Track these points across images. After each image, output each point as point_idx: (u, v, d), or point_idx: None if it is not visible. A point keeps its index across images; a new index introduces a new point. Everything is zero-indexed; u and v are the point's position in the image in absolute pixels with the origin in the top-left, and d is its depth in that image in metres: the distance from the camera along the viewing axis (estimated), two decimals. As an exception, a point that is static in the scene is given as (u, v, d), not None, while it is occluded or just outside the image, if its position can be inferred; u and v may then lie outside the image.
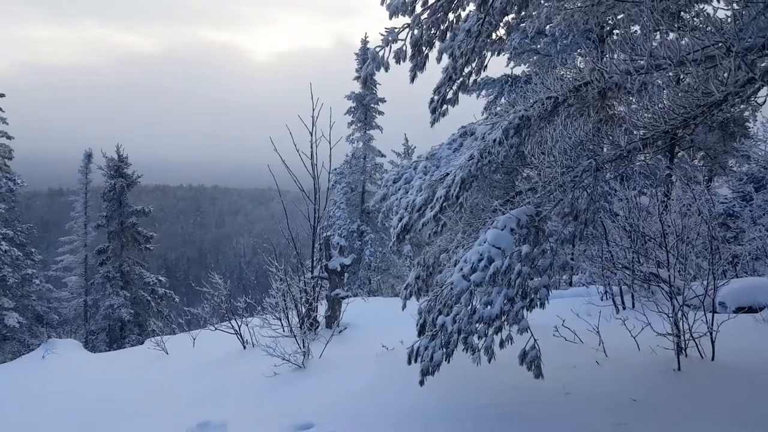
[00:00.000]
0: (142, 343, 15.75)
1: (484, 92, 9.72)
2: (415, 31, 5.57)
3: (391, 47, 5.57)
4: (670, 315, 5.79)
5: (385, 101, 23.12)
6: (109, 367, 10.53)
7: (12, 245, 18.76)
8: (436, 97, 5.89)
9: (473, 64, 5.69)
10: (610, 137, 5.29)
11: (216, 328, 10.14)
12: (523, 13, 5.50)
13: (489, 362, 4.94)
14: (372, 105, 22.96)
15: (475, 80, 5.90)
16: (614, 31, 8.06)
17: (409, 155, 25.80)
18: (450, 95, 5.92)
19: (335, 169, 21.60)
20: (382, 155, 23.84)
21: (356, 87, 22.99)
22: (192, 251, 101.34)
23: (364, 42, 22.54)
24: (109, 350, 18.62)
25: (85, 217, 23.62)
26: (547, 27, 8.87)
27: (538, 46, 8.98)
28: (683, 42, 4.29)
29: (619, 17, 5.48)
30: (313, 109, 9.86)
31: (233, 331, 9.79)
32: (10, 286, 17.98)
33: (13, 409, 7.98)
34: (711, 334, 5.70)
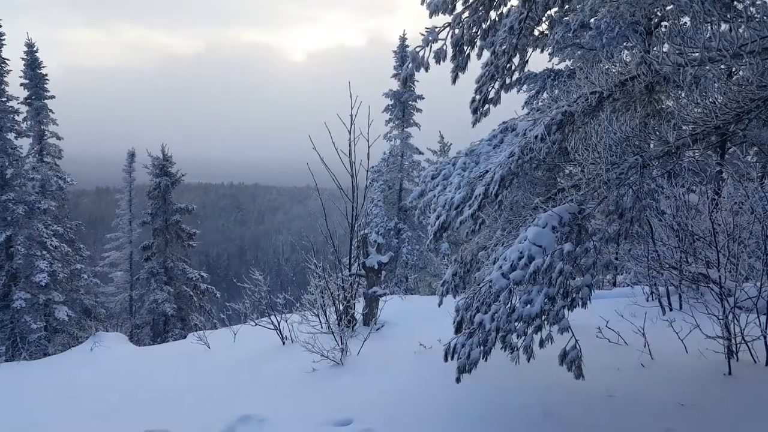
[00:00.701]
0: (185, 337, 16.15)
1: (525, 87, 9.56)
2: (456, 30, 5.50)
3: (431, 47, 5.53)
4: (721, 317, 5.57)
5: (423, 98, 23.03)
6: (154, 360, 10.83)
7: (62, 241, 19.50)
8: (477, 97, 5.81)
9: (515, 61, 5.59)
10: (658, 133, 5.12)
11: (256, 324, 10.28)
12: (566, 6, 5.37)
13: (528, 361, 4.86)
14: (410, 102, 22.89)
15: (518, 78, 5.80)
16: (662, 23, 7.78)
17: (445, 152, 25.62)
18: (492, 94, 5.83)
19: (372, 167, 21.65)
20: (420, 153, 23.73)
21: (394, 84, 22.98)
22: (232, 248, 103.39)
23: (402, 39, 22.51)
24: (153, 344, 19.17)
25: (130, 214, 24.37)
26: (592, 20, 8.65)
27: (582, 40, 8.75)
28: (739, 32, 4.10)
29: (668, 8, 5.29)
30: (352, 107, 9.88)
31: (273, 327, 9.91)
32: (60, 281, 18.69)
33: (65, 397, 8.29)
34: (765, 337, 5.46)
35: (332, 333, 8.38)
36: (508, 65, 5.62)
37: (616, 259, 7.49)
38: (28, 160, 19.21)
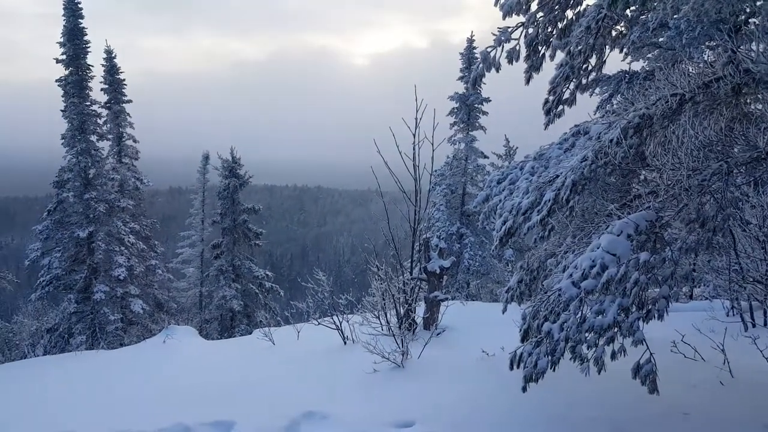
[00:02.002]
0: (251, 333, 16.64)
1: (598, 90, 9.21)
2: (530, 30, 5.41)
3: (503, 47, 5.45)
4: (813, 336, 5.17)
5: (490, 101, 22.67)
6: (222, 353, 11.21)
7: (138, 238, 20.57)
8: (551, 98, 5.67)
9: (592, 62, 5.42)
10: (745, 137, 4.82)
11: (319, 323, 10.46)
12: (646, 4, 5.15)
13: (599, 373, 4.69)
14: (476, 105, 22.59)
15: (595, 78, 5.62)
16: (751, 20, 7.27)
17: (511, 156, 25.10)
18: (567, 95, 5.68)
19: (436, 171, 21.54)
20: (485, 156, 23.32)
21: (459, 87, 22.69)
22: (295, 248, 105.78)
23: (470, 41, 22.26)
24: (221, 338, 19.87)
25: (202, 213, 25.41)
26: (671, 19, 8.24)
27: (660, 40, 8.34)
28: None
29: (758, 3, 4.96)
30: (417, 111, 9.87)
31: (335, 327, 10.04)
32: (137, 276, 19.72)
33: (139, 385, 8.72)
34: None
35: (393, 335, 8.40)
36: (585, 65, 5.45)
37: (694, 270, 7.10)
38: (108, 161, 20.41)
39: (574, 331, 4.68)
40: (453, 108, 22.84)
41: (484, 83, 22.34)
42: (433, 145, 9.64)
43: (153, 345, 12.73)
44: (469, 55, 22.21)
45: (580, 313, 4.73)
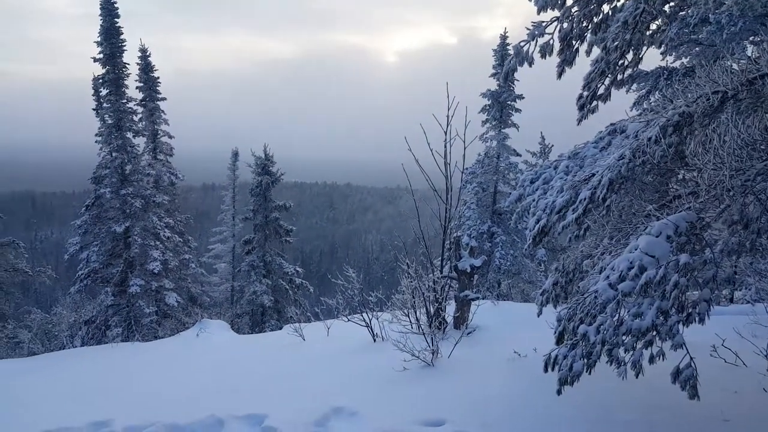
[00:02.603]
0: (281, 328, 16.82)
1: (634, 86, 8.99)
2: (565, 25, 5.32)
3: (536, 41, 5.37)
4: None
5: (523, 98, 22.34)
6: (253, 348, 11.38)
7: (173, 233, 20.97)
8: (585, 93, 5.57)
9: (628, 58, 5.30)
10: (792, 136, 4.64)
11: (348, 320, 10.51)
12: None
13: (636, 377, 4.59)
14: (508, 102, 22.30)
15: (631, 74, 5.49)
16: (799, 15, 7.04)
17: (546, 155, 24.71)
18: (601, 91, 5.57)
19: (467, 169, 21.36)
20: (517, 155, 22.98)
21: (491, 84, 22.45)
22: (325, 245, 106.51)
23: (503, 38, 21.98)
24: (252, 333, 20.16)
25: (234, 210, 25.78)
26: (710, 15, 8.00)
27: (701, 36, 8.10)
28: None
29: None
30: (449, 108, 9.81)
31: (364, 324, 10.08)
32: (171, 269, 20.13)
33: (173, 377, 8.93)
34: None
35: (423, 334, 8.38)
36: (620, 61, 5.33)
37: (735, 273, 6.89)
38: (144, 158, 20.86)
39: (611, 333, 4.59)
40: (485, 105, 22.59)
41: (517, 80, 22.09)
42: (465, 142, 9.57)
43: (187, 338, 13.00)
44: (502, 51, 21.92)
45: (617, 315, 4.64)
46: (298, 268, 23.91)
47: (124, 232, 18.25)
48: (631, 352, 4.58)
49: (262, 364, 9.38)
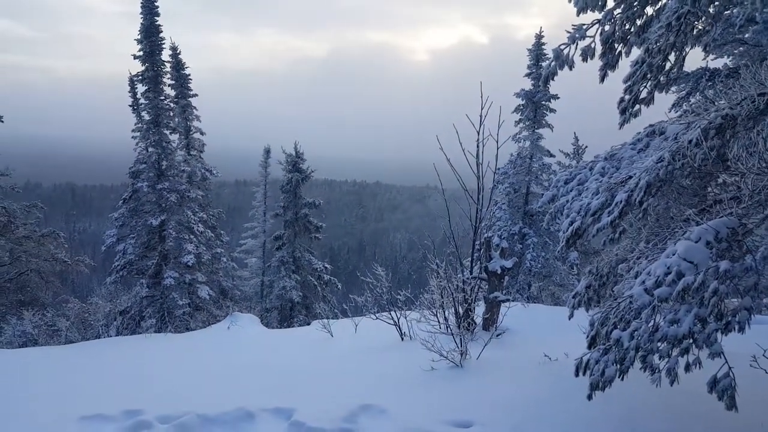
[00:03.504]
0: (309, 324, 16.99)
1: (674, 88, 8.76)
2: (606, 27, 5.23)
3: (577, 44, 5.29)
4: None
5: (558, 98, 22.02)
6: (283, 343, 11.51)
7: (206, 227, 21.38)
8: (627, 97, 5.46)
9: (671, 59, 5.17)
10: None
11: (377, 318, 10.54)
12: (733, -1, 4.87)
13: (671, 385, 4.49)
14: (543, 102, 21.98)
15: (674, 77, 5.37)
16: None
17: (579, 155, 24.29)
18: (644, 94, 5.45)
19: (498, 169, 21.17)
20: (551, 155, 22.64)
21: (525, 84, 22.16)
22: (353, 242, 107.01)
23: (538, 37, 21.71)
24: (280, 327, 20.40)
25: (265, 206, 26.12)
26: (757, 14, 7.74)
27: (746, 35, 7.85)
28: None
29: None
30: (482, 108, 9.76)
31: (392, 323, 10.10)
32: (204, 263, 20.51)
33: (205, 369, 9.08)
34: None
35: (451, 334, 8.35)
36: (663, 63, 5.21)
37: (777, 281, 6.67)
38: (178, 153, 21.29)
39: (646, 339, 4.51)
40: (519, 105, 22.35)
41: (552, 80, 21.74)
42: (497, 142, 9.49)
43: (218, 330, 13.22)
44: (537, 51, 21.64)
45: (652, 321, 4.55)
46: (326, 265, 24.09)
47: (159, 225, 18.66)
48: (666, 359, 4.47)
49: (290, 359, 9.48)
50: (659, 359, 4.52)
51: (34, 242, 20.71)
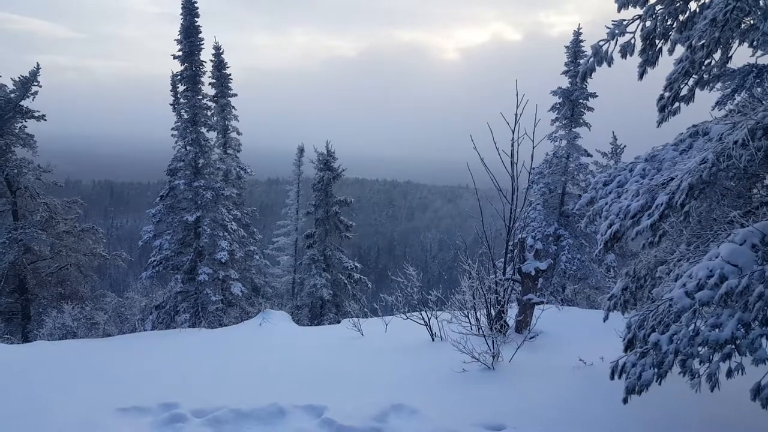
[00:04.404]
0: (339, 322, 17.08)
1: (719, 85, 8.44)
2: (648, 23, 5.10)
3: (617, 40, 5.18)
4: None
5: (596, 96, 21.54)
6: (313, 340, 11.59)
7: (239, 225, 21.69)
8: (667, 94, 5.32)
9: (716, 57, 5.02)
10: None
11: (407, 317, 10.52)
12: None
13: (711, 391, 4.36)
14: (580, 101, 21.54)
15: (718, 74, 5.21)
16: None
17: (617, 155, 23.73)
18: (684, 92, 5.30)
19: (533, 169, 20.84)
20: (588, 155, 22.12)
21: (562, 81, 21.69)
22: (383, 242, 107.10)
23: (576, 33, 21.32)
24: (311, 325, 20.57)
25: (297, 204, 26.36)
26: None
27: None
28: None
29: None
30: (517, 106, 9.61)
31: (423, 323, 10.07)
32: (237, 260, 20.82)
33: (238, 364, 9.22)
34: None
35: (483, 336, 8.28)
36: (707, 60, 5.05)
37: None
38: (215, 152, 21.66)
39: (685, 344, 4.39)
40: (555, 103, 21.94)
41: (590, 78, 21.30)
42: (533, 141, 9.36)
43: (250, 327, 13.41)
44: (575, 48, 21.22)
45: (693, 325, 4.44)
46: (356, 264, 24.17)
47: (194, 222, 19.02)
48: (707, 365, 4.36)
49: (321, 356, 9.55)
50: (699, 364, 4.41)
51: (74, 237, 21.38)
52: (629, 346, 5.00)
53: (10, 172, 19.81)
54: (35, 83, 20.09)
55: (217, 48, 23.21)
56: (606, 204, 6.48)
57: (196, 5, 19.08)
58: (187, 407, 6.78)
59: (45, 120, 20.72)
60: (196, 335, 13.21)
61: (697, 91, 5.84)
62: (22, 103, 19.93)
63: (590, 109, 21.82)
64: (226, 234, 19.64)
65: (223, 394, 7.30)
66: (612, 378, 4.87)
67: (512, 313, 9.80)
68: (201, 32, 19.24)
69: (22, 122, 20.27)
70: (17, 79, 19.87)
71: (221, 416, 6.56)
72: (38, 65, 20.48)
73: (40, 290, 21.04)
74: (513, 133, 9.62)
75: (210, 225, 19.32)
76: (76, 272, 21.60)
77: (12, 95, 19.71)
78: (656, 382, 4.60)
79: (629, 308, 6.19)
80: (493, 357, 7.60)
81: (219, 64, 23.26)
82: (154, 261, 19.28)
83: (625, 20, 5.22)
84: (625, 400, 4.71)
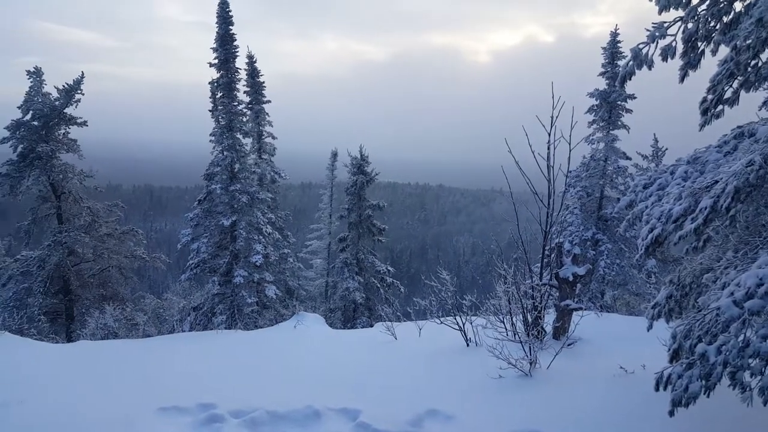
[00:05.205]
0: (372, 325, 17.10)
1: (765, 85, 8.13)
2: (689, 25, 4.96)
3: (657, 43, 5.05)
4: None
5: (635, 98, 21.06)
6: (347, 343, 11.62)
7: (274, 228, 21.98)
8: (710, 97, 5.16)
9: (762, 57, 4.85)
10: None
11: (441, 322, 10.45)
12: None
13: (764, 405, 4.19)
14: (618, 102, 21.08)
15: (765, 75, 5.03)
16: None
17: (658, 158, 23.13)
18: (728, 94, 5.14)
19: (570, 172, 20.46)
20: (627, 158, 21.59)
21: (599, 83, 21.22)
22: (415, 245, 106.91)
23: (614, 35, 20.91)
24: (344, 328, 20.65)
25: (330, 208, 26.55)
26: None
27: None
28: None
29: None
30: (553, 108, 9.46)
31: (457, 328, 9.99)
32: (272, 263, 21.09)
33: (274, 365, 9.31)
34: None
35: (520, 342, 8.16)
36: (753, 62, 4.88)
37: None
38: (251, 157, 22.01)
39: (735, 355, 4.23)
40: (592, 105, 21.52)
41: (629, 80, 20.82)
42: (570, 144, 9.19)
43: (285, 329, 13.53)
44: (612, 49, 20.80)
45: (742, 336, 4.27)
46: (389, 267, 24.18)
47: (230, 225, 19.34)
48: (759, 377, 4.18)
49: (355, 360, 9.56)
50: (750, 377, 4.23)
51: (116, 240, 22.00)
52: (675, 356, 4.85)
53: (55, 177, 20.52)
54: (78, 91, 20.77)
55: (250, 57, 23.65)
56: (646, 207, 6.32)
57: (230, 14, 19.44)
58: (224, 408, 6.88)
59: (86, 126, 21.41)
60: (233, 336, 13.39)
61: (744, 93, 5.65)
62: (65, 110, 20.65)
63: (629, 110, 21.34)
64: (261, 237, 19.90)
65: (259, 395, 7.38)
66: (657, 389, 4.73)
67: (549, 319, 9.63)
68: (236, 40, 19.58)
69: (65, 128, 21.01)
70: (62, 88, 20.59)
71: (258, 417, 6.63)
72: (83, 74, 21.17)
73: (82, 291, 21.70)
74: (549, 135, 9.47)
75: (245, 228, 19.60)
76: (117, 274, 22.21)
77: (56, 103, 20.43)
78: (704, 394, 4.44)
79: (674, 317, 6.01)
80: (531, 363, 7.47)
81: (253, 72, 23.68)
82: (192, 263, 19.68)
83: (665, 22, 5.09)
84: (671, 413, 4.56)
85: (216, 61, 19.48)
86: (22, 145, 20.16)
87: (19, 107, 20.17)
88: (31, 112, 20.23)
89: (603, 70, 21.13)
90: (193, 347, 12.01)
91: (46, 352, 10.89)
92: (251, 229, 19.80)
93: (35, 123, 20.29)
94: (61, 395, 7.61)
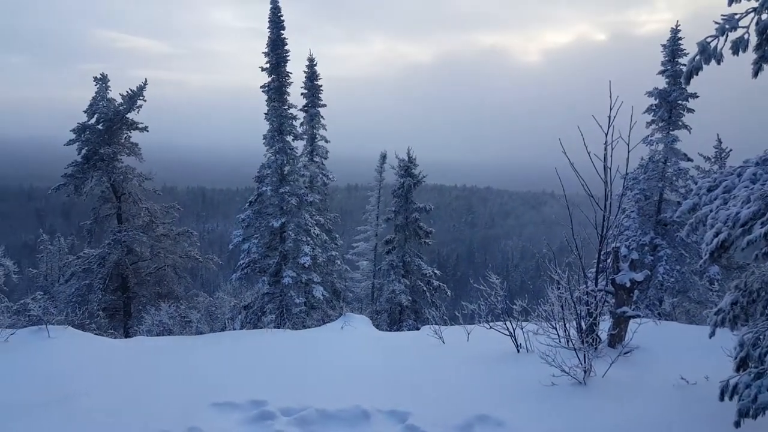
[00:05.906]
0: (418, 328, 16.99)
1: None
2: (764, 16, 4.69)
3: (727, 36, 4.81)
4: None
5: (697, 97, 20.13)
6: (394, 345, 11.59)
7: (321, 230, 22.22)
8: (787, 91, 4.88)
9: None
10: None
11: (490, 327, 10.29)
12: None
13: None
14: (679, 102, 20.19)
15: None
16: None
17: (722, 159, 22.06)
18: (807, 88, 4.84)
19: (627, 174, 19.75)
20: (689, 159, 20.61)
21: (658, 81, 20.41)
22: (461, 249, 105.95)
23: (674, 31, 20.06)
24: (390, 330, 20.65)
25: (378, 210, 26.64)
26: None
27: None
28: None
29: None
30: (611, 109, 9.16)
31: (507, 333, 9.81)
32: (319, 264, 21.32)
33: (321, 364, 9.40)
34: None
35: (573, 349, 7.92)
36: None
37: None
38: (301, 160, 22.36)
39: (812, 367, 3.97)
40: (651, 105, 20.66)
41: (695, 76, 19.90)
42: (629, 145, 8.90)
43: (332, 329, 13.64)
44: (672, 46, 19.94)
45: (820, 347, 4.00)
46: (435, 270, 24.03)
47: (280, 227, 19.69)
48: (839, 392, 3.91)
49: (403, 362, 9.53)
50: (829, 391, 3.97)
51: (171, 240, 22.77)
52: (742, 365, 4.60)
53: (116, 179, 21.42)
54: (141, 97, 21.61)
55: (311, 60, 24.09)
56: (711, 211, 6.04)
57: (282, 18, 19.79)
58: (275, 405, 6.99)
59: (147, 131, 22.26)
60: (282, 335, 13.59)
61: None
62: (128, 115, 21.52)
63: (690, 110, 20.42)
64: (309, 239, 20.17)
65: (308, 393, 7.47)
66: (722, 399, 4.50)
67: (604, 327, 9.32)
68: (287, 44, 19.92)
69: (127, 133, 21.91)
70: (125, 94, 21.48)
71: (307, 416, 6.71)
72: (145, 81, 22.01)
73: (140, 289, 22.56)
74: (606, 136, 9.19)
75: (294, 230, 19.91)
76: (172, 273, 22.97)
77: (120, 108, 21.32)
78: (775, 407, 4.20)
79: (739, 324, 5.70)
80: (585, 372, 7.25)
81: (311, 75, 24.09)
82: (243, 263, 20.13)
83: (737, 14, 4.83)
84: (737, 424, 4.34)
85: (267, 65, 19.87)
86: (86, 148, 21.12)
87: (84, 111, 21.16)
88: (96, 116, 21.18)
89: (662, 68, 20.28)
90: (244, 345, 12.26)
91: (107, 347, 11.36)
92: (300, 231, 20.09)
93: (99, 127, 21.24)
94: (123, 388, 7.91)
